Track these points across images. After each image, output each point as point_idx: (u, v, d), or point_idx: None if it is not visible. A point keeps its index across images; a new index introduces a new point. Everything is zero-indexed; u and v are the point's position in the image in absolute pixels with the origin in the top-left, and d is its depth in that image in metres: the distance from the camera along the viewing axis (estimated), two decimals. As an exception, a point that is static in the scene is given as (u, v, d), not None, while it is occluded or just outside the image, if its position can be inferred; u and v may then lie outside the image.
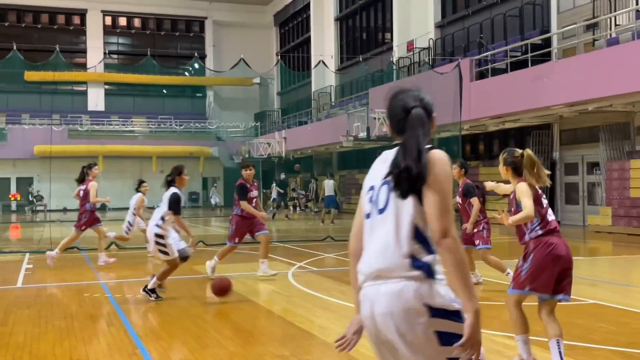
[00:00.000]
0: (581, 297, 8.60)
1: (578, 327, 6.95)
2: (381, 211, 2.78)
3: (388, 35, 36.26)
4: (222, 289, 8.26)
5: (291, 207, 35.19)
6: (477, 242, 9.26)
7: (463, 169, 9.34)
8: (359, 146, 29.54)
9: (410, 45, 32.58)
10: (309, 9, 44.95)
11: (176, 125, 46.62)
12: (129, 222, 13.62)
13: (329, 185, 24.71)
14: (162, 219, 8.70)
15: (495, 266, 9.30)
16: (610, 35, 19.32)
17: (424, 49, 31.07)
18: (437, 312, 2.63)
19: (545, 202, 5.41)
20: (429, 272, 2.67)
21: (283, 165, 37.89)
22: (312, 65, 41.52)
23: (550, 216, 5.36)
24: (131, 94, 49.90)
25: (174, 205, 8.59)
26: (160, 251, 8.73)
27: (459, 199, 9.38)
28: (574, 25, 20.91)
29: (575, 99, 18.42)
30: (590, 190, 22.41)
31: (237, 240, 10.43)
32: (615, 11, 19.97)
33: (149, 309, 8.19)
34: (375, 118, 24.26)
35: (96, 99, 49.18)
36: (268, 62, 48.50)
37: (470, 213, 9.23)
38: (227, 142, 45.45)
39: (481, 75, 22.70)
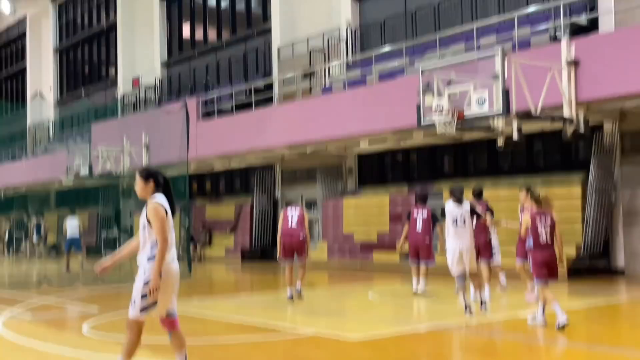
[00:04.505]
0: (302, 327, 9.04)
1: (299, 359, 7.27)
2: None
3: (112, 70, 35.32)
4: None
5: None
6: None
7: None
8: (80, 184, 28.11)
9: (135, 82, 32.04)
10: (25, 38, 42.12)
11: None
12: None
13: (72, 225, 20.31)
14: None
15: None
16: (325, 83, 20.97)
17: (150, 86, 30.77)
18: None
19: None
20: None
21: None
22: (28, 97, 38.75)
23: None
24: None
25: None
26: None
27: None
28: (293, 74, 22.32)
29: (294, 141, 19.57)
30: (309, 226, 23.81)
31: None
32: (328, 62, 21.76)
33: None
34: (98, 155, 23.29)
35: None
36: (-24, 92, 44.24)
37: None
38: None
39: (208, 115, 23.10)
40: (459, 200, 9.82)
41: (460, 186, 10.29)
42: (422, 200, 12.56)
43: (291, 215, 11.80)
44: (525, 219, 8.60)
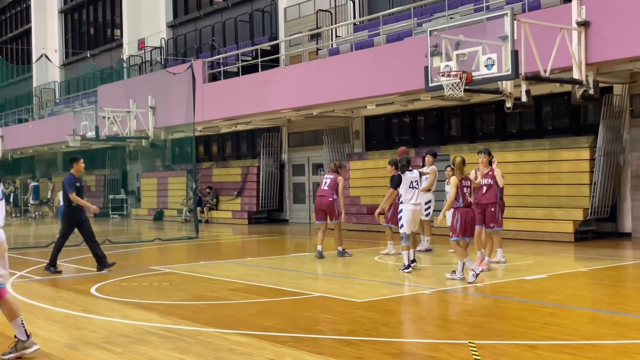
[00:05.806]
0: (307, 290, 9.09)
1: (305, 319, 7.32)
2: None
3: (118, 32, 35.08)
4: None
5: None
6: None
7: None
8: (87, 146, 28.15)
9: (141, 44, 31.84)
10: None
11: None
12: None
13: None
14: None
15: None
16: (332, 45, 20.76)
17: (155, 48, 30.57)
18: None
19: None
20: None
21: (0, 166, 34.71)
22: (34, 58, 38.60)
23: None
24: None
25: None
26: None
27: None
28: (300, 35, 22.10)
29: (301, 104, 19.46)
30: (315, 189, 23.83)
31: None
32: (335, 23, 21.51)
33: None
34: (104, 117, 23.28)
35: None
36: (-19, 53, 44.07)
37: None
38: None
39: (214, 78, 22.96)
40: (408, 169, 10.74)
41: (408, 157, 11.23)
42: (397, 166, 12.39)
43: (325, 180, 12.63)
44: (453, 184, 9.53)
